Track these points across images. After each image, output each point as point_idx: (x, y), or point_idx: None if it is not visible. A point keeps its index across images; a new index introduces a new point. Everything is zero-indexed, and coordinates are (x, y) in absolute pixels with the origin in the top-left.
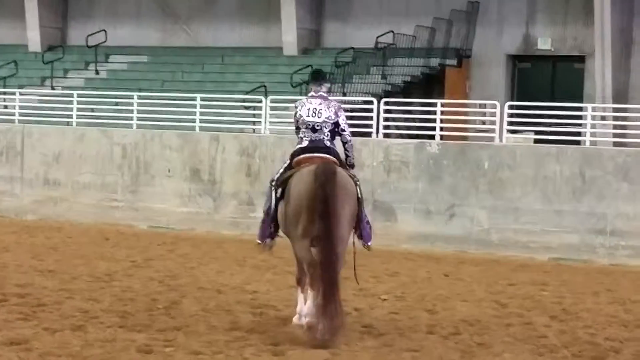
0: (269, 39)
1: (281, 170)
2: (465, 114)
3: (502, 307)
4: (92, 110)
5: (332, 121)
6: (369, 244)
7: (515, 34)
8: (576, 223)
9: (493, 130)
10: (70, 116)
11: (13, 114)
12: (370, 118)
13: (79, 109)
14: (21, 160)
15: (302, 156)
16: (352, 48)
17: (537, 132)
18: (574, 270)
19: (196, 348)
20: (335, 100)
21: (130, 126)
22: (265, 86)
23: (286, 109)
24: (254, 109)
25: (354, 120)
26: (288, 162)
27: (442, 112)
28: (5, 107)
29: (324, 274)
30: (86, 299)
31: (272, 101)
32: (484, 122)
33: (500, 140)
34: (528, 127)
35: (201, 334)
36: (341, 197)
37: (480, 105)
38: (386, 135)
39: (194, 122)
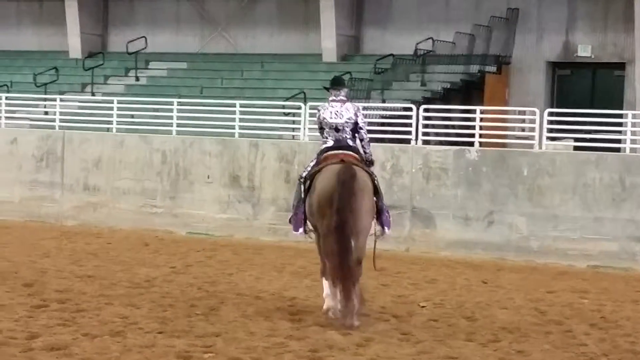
0: (308, 46)
1: (309, 167)
2: (505, 120)
3: (542, 314)
4: (132, 116)
5: (352, 121)
6: (388, 230)
7: (555, 40)
8: (616, 230)
9: (532, 137)
10: (110, 122)
11: (54, 120)
12: (410, 125)
13: (118, 115)
14: (61, 166)
15: (327, 153)
16: (392, 55)
17: (576, 139)
18: (613, 278)
19: (235, 354)
20: (352, 103)
21: (169, 132)
22: (304, 92)
23: None
24: (293, 116)
25: (393, 127)
26: (315, 159)
27: (482, 119)
28: (46, 113)
29: (341, 261)
30: (125, 304)
31: (312, 107)
32: (523, 129)
33: (540, 147)
34: (568, 134)
35: (240, 340)
36: (359, 195)
37: (520, 112)
38: (425, 142)
39: (234, 128)
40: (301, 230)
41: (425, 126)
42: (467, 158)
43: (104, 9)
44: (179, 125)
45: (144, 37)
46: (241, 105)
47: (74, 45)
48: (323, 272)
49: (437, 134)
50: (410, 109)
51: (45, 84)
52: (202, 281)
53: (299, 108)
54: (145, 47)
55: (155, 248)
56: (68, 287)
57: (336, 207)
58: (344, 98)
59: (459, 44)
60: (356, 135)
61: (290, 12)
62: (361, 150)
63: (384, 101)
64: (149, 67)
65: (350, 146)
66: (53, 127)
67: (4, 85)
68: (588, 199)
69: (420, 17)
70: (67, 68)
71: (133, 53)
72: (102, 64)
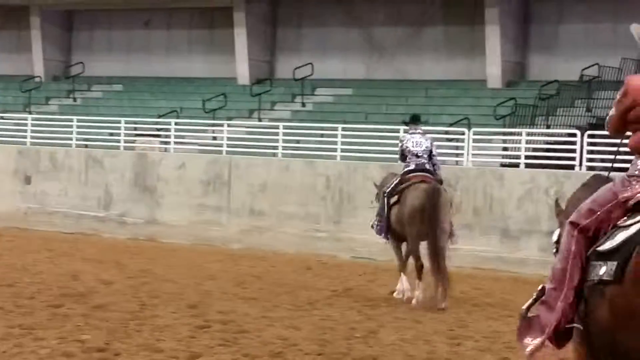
0: (472, 72)
1: (392, 185)
2: None
3: None
4: (298, 141)
5: (428, 149)
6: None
7: None
8: None
9: None
10: (276, 147)
11: (221, 145)
12: (574, 151)
13: (284, 141)
14: (228, 190)
15: (410, 175)
16: (557, 81)
17: None
18: None
19: None
20: (428, 134)
21: (334, 157)
22: (468, 118)
23: (489, 141)
24: (457, 141)
25: (558, 153)
26: (399, 178)
27: None
28: (214, 138)
29: (433, 257)
30: (286, 326)
31: (475, 133)
32: None
33: None
34: None
35: None
36: (444, 209)
37: None
38: (590, 168)
39: (397, 154)
40: (383, 234)
41: (590, 152)
42: None
43: (272, 36)
44: (343, 150)
45: (310, 63)
46: (404, 131)
47: (242, 72)
48: (401, 268)
49: (602, 160)
50: (574, 135)
51: (214, 110)
52: (362, 304)
53: (463, 134)
54: (312, 74)
55: (318, 271)
56: (231, 309)
57: (429, 219)
58: (421, 131)
59: (626, 70)
60: (430, 160)
61: (456, 39)
62: (435, 172)
63: (548, 127)
64: (315, 93)
65: (427, 169)
66: (220, 152)
67: (174, 111)
68: None
69: (587, 43)
70: (235, 94)
71: (300, 79)
72: (269, 90)
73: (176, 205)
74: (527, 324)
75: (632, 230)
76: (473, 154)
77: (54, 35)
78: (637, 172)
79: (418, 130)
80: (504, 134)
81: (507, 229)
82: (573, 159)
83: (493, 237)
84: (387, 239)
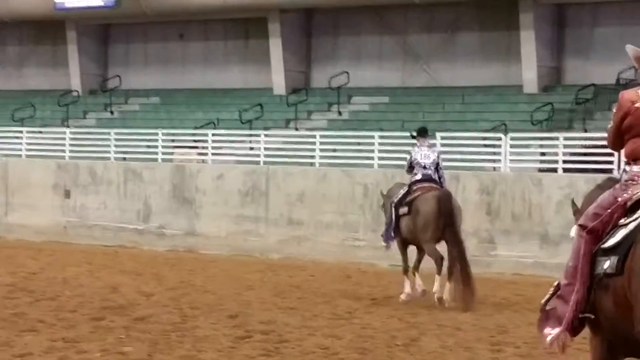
0: (509, 77)
1: (400, 195)
2: None
3: None
4: (334, 150)
5: (435, 162)
6: None
7: None
8: None
9: None
10: (313, 157)
11: (258, 156)
12: (612, 154)
13: (321, 150)
14: (266, 200)
15: (418, 185)
16: (593, 84)
17: None
18: None
19: None
20: (435, 148)
21: (371, 166)
22: (505, 124)
23: (527, 146)
24: (494, 147)
25: (596, 156)
26: (407, 189)
27: None
28: (251, 148)
29: (460, 260)
30: (327, 335)
31: (512, 139)
32: None
33: None
34: None
35: None
36: (457, 212)
37: None
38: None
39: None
40: (391, 242)
41: None
42: None
43: (307, 46)
44: (380, 158)
45: (346, 72)
46: (442, 138)
47: (278, 82)
48: (405, 271)
49: None
50: None
51: (250, 121)
52: (403, 312)
53: (500, 139)
54: (348, 82)
55: (357, 280)
56: (271, 319)
57: (447, 223)
58: (428, 144)
59: None
60: (436, 171)
61: (491, 44)
62: (441, 184)
63: (585, 131)
64: (351, 102)
65: (434, 179)
66: (258, 163)
67: (211, 122)
68: None
69: (622, 46)
70: (271, 104)
71: (336, 88)
72: (305, 100)
73: (215, 216)
74: (546, 316)
75: (630, 227)
76: (511, 160)
77: (91, 49)
78: (632, 178)
79: (425, 144)
80: (542, 138)
81: (546, 234)
82: (611, 162)
83: (532, 242)
84: (389, 244)
